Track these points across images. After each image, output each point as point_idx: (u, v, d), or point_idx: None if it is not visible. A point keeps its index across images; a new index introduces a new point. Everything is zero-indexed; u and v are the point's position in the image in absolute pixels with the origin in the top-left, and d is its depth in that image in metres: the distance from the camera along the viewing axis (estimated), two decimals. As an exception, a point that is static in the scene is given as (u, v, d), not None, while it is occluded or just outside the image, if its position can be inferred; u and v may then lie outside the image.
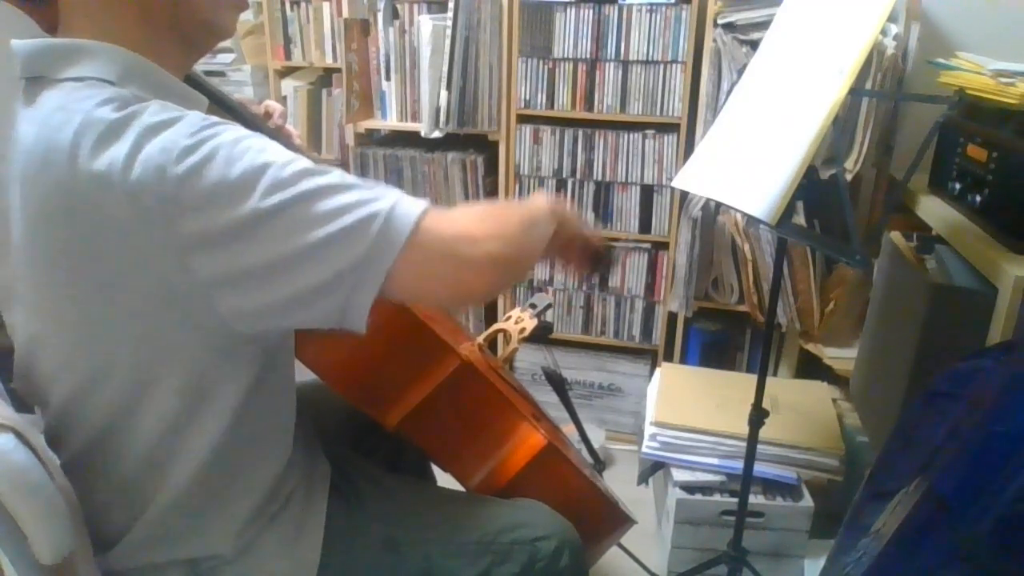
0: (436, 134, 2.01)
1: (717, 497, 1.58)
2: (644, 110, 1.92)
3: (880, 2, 1.11)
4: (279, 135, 1.04)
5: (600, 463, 1.44)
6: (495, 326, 1.31)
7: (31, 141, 0.66)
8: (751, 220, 1.33)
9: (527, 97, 1.98)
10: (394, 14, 2.03)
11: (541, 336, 1.28)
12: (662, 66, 1.87)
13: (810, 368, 1.93)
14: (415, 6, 2.01)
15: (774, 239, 1.72)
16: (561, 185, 2.04)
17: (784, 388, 1.77)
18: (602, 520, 1.12)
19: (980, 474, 0.84)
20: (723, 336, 2.04)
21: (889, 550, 0.93)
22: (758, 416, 1.39)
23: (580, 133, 1.98)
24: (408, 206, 0.69)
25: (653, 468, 1.70)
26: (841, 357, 1.81)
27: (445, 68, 1.94)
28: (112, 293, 0.67)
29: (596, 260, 1.04)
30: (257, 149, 0.66)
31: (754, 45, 1.64)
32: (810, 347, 1.88)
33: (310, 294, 0.67)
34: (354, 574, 0.87)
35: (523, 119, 2.01)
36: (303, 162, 0.68)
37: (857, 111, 1.66)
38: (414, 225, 0.68)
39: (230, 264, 0.65)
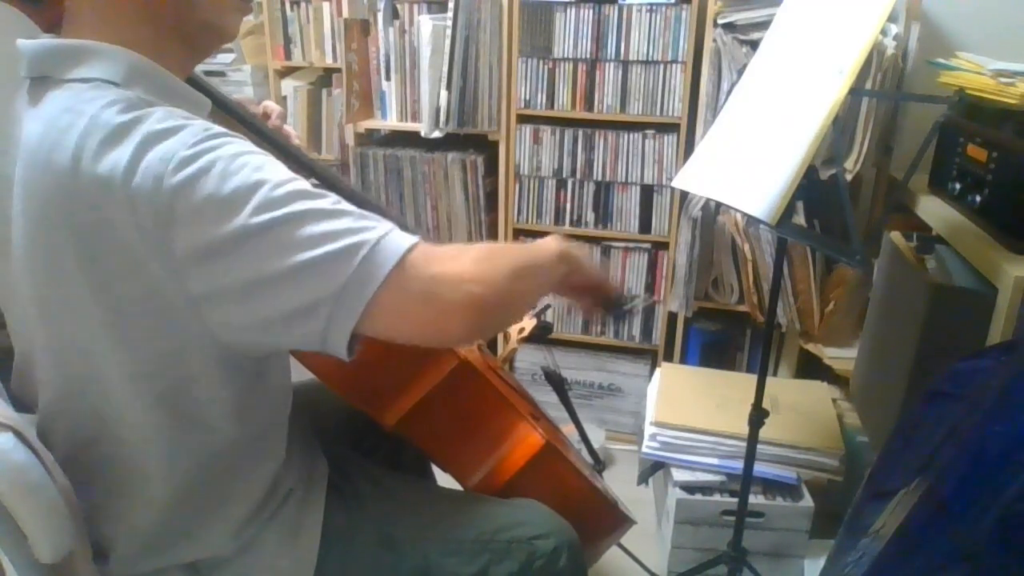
0: (436, 134, 2.01)
1: (717, 497, 1.58)
2: (644, 110, 1.92)
3: (880, 2, 1.11)
4: (278, 136, 1.04)
5: (600, 463, 1.44)
6: (495, 326, 1.31)
7: (36, 141, 0.67)
8: (751, 220, 1.33)
9: (527, 97, 1.98)
10: (394, 14, 2.03)
11: (540, 336, 1.28)
12: (662, 66, 1.87)
13: (810, 368, 1.93)
14: (415, 6, 2.01)
15: (774, 239, 1.72)
16: (561, 185, 2.04)
17: (784, 388, 1.77)
18: (601, 520, 1.12)
19: (980, 474, 0.84)
20: (723, 336, 2.04)
21: (889, 550, 0.93)
22: (758, 416, 1.39)
23: (580, 133, 1.98)
24: (396, 240, 0.67)
25: (653, 468, 1.70)
26: (841, 357, 1.81)
27: (445, 68, 1.94)
28: (105, 296, 0.67)
29: (609, 307, 1.01)
30: (254, 166, 0.66)
31: (754, 45, 1.64)
32: (810, 347, 1.88)
33: (289, 317, 0.66)
34: (352, 572, 0.87)
35: (523, 119, 2.01)
36: (299, 183, 0.67)
37: (857, 111, 1.66)
38: (399, 259, 0.66)
39: (215, 279, 0.65)
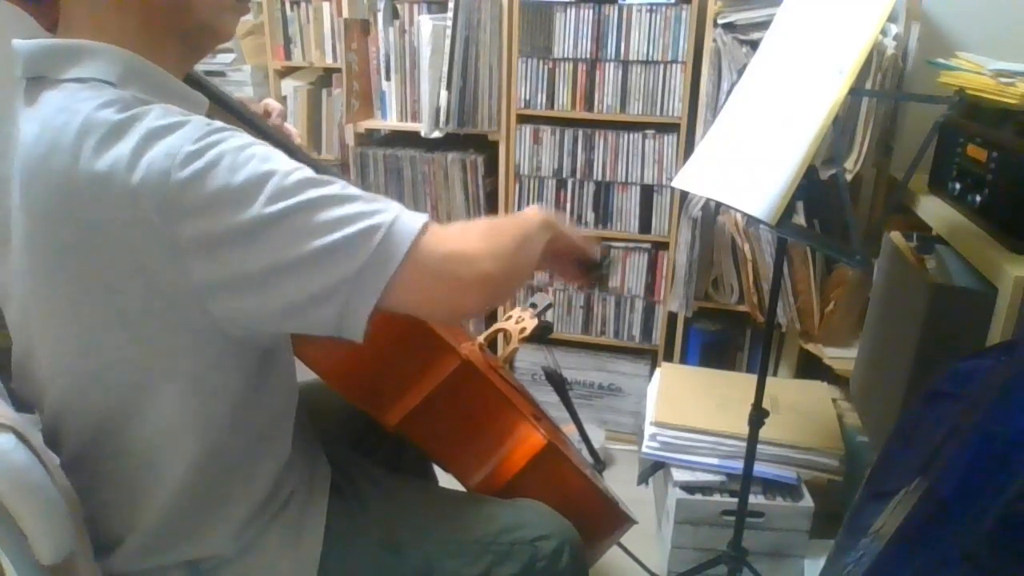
0: (436, 134, 2.01)
1: (717, 497, 1.58)
2: (644, 110, 1.92)
3: (880, 2, 1.11)
4: (279, 134, 1.04)
5: (600, 463, 1.44)
6: (495, 326, 1.31)
7: (32, 141, 0.67)
8: (751, 220, 1.33)
9: (527, 97, 1.98)
10: (394, 14, 2.03)
11: (541, 336, 1.28)
12: (662, 66, 1.87)
13: (810, 368, 1.93)
14: (415, 6, 2.01)
15: (774, 239, 1.72)
16: (561, 185, 2.04)
17: (784, 388, 1.77)
18: (602, 520, 1.12)
19: (980, 474, 0.84)
20: (723, 336, 2.04)
21: (889, 550, 0.93)
22: (758, 416, 1.39)
23: (580, 133, 1.98)
24: (409, 220, 0.70)
25: (653, 468, 1.70)
26: (841, 357, 1.81)
27: (445, 68, 1.94)
28: (108, 294, 0.67)
29: (590, 269, 1.03)
30: (261, 157, 0.66)
31: (754, 45, 1.64)
32: (810, 347, 1.88)
33: (307, 302, 0.67)
34: (354, 574, 0.87)
35: (523, 119, 2.01)
36: (306, 172, 0.68)
37: (857, 111, 1.66)
38: (414, 240, 0.68)
39: (229, 268, 0.65)
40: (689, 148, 1.85)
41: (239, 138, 0.67)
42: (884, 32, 1.63)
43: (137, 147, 0.63)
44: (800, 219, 1.75)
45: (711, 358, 2.03)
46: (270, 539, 0.83)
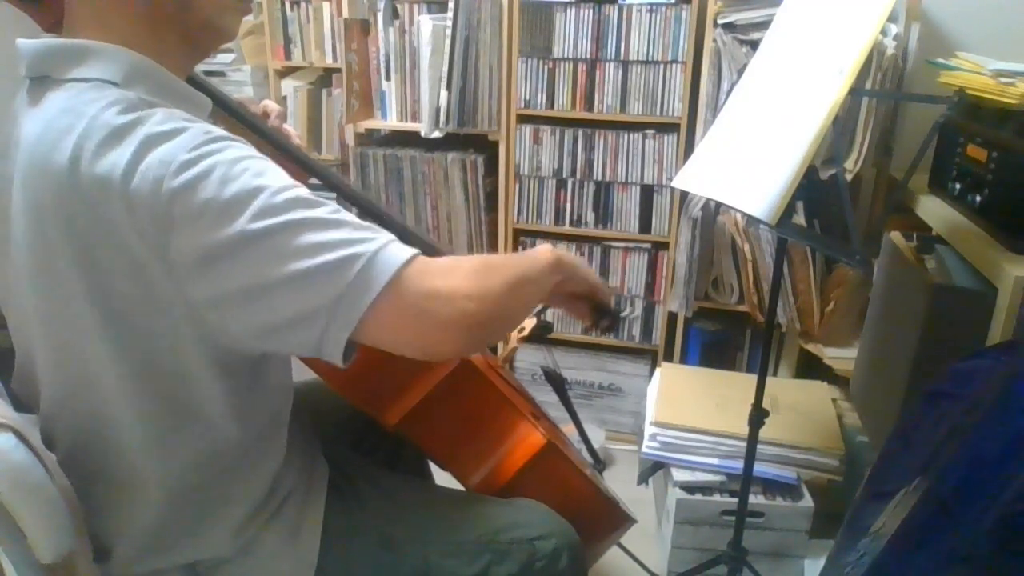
0: (436, 134, 2.01)
1: (717, 497, 1.58)
2: (644, 110, 1.92)
3: (880, 2, 1.11)
4: (278, 135, 1.04)
5: (600, 463, 1.44)
6: (495, 326, 1.30)
7: (34, 141, 0.67)
8: (751, 220, 1.33)
9: (527, 97, 1.98)
10: (394, 14, 2.03)
11: (541, 336, 1.28)
12: (662, 66, 1.87)
13: (810, 368, 1.93)
14: (415, 6, 2.01)
15: (774, 239, 1.72)
16: (561, 185, 2.04)
17: (784, 388, 1.77)
18: (602, 519, 1.12)
19: (980, 474, 0.84)
20: (723, 336, 2.04)
21: (889, 550, 0.93)
22: (758, 416, 1.39)
23: (580, 133, 1.98)
24: (393, 252, 0.68)
25: (653, 468, 1.70)
26: (841, 357, 1.81)
27: (445, 68, 1.94)
28: (102, 296, 0.67)
29: (603, 315, 1.02)
30: (254, 172, 0.66)
31: (754, 45, 1.64)
32: (810, 347, 1.88)
33: (286, 324, 0.66)
34: (353, 573, 0.87)
35: (523, 119, 2.01)
36: (299, 191, 0.67)
37: (857, 111, 1.66)
38: (395, 272, 0.66)
39: (213, 284, 0.65)
40: (689, 148, 1.85)
41: (236, 149, 0.67)
42: (884, 32, 1.63)
43: (136, 153, 0.63)
44: (800, 219, 1.74)
45: (711, 358, 2.03)
46: (268, 539, 0.83)
